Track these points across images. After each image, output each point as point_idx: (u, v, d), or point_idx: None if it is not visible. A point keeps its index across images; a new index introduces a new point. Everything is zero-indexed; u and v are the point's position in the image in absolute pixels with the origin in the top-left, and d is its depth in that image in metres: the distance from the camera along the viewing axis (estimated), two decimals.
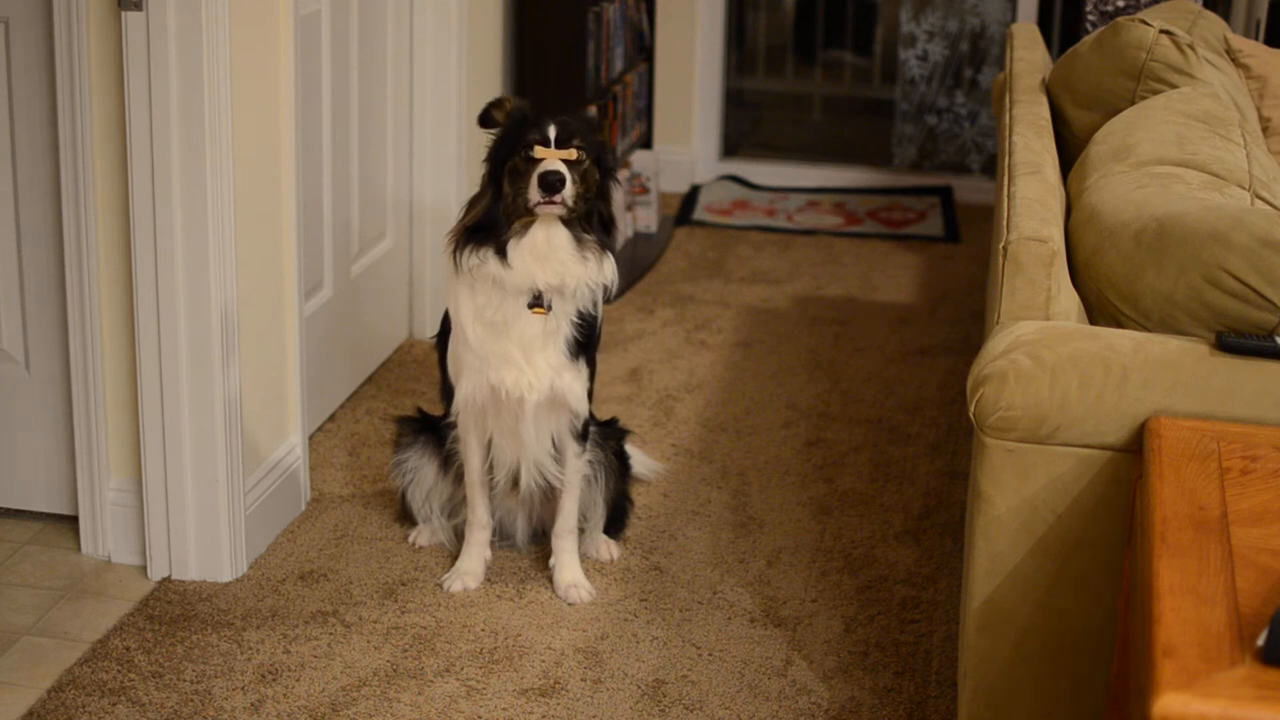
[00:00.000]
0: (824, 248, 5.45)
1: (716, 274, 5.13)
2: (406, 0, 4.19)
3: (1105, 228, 2.61)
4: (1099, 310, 2.61)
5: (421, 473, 3.26)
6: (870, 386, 4.21)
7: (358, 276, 4.02)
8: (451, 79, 4.27)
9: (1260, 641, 1.60)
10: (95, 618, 3.00)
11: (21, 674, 2.82)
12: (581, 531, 3.23)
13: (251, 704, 2.74)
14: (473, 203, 2.94)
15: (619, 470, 3.29)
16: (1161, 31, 3.33)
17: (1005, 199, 2.78)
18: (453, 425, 3.13)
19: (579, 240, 2.88)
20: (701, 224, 5.67)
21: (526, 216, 2.86)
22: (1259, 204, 2.76)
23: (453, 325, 3.00)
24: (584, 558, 3.22)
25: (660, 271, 5.14)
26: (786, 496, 3.57)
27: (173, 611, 3.02)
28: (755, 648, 2.96)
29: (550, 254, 2.86)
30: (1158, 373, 2.29)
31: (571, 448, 3.09)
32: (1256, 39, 4.95)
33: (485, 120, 2.96)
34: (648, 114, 5.71)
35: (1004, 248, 2.53)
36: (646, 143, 5.69)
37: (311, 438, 3.73)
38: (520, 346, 2.93)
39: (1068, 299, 2.56)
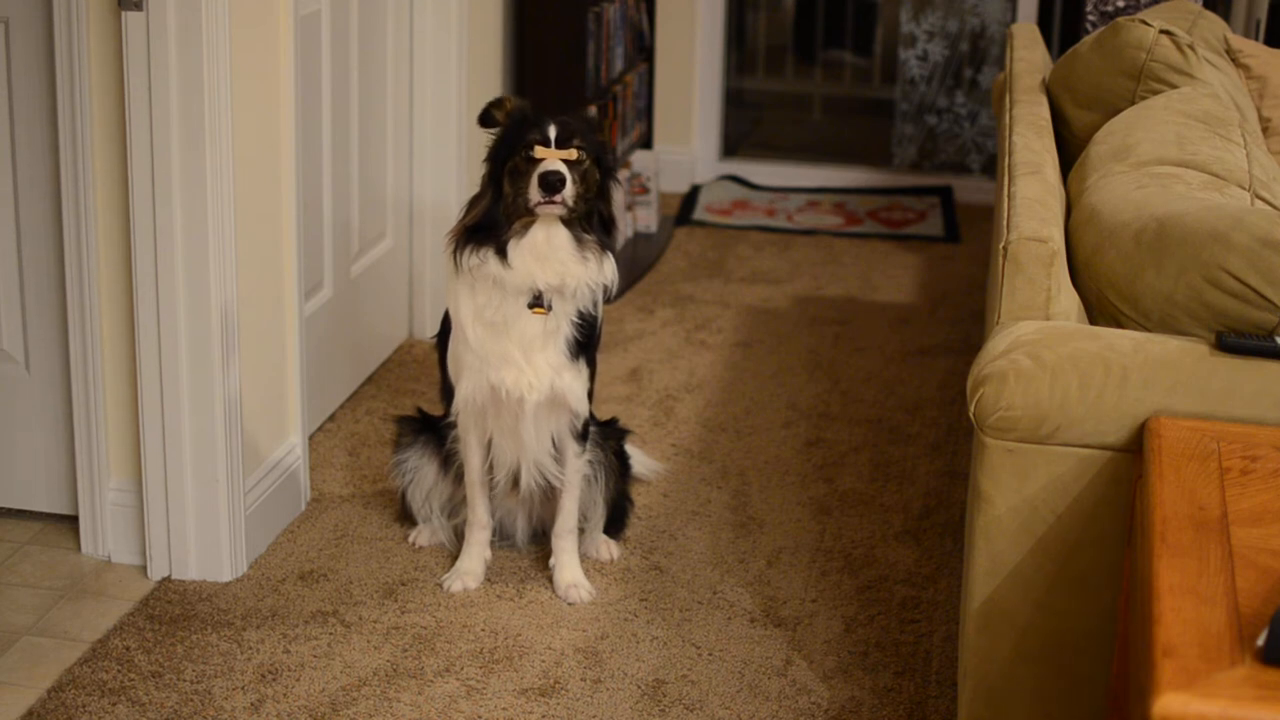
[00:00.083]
0: (824, 248, 5.45)
1: (716, 274, 5.13)
2: (406, 0, 4.19)
3: (1105, 228, 2.61)
4: (1099, 310, 2.61)
5: (421, 473, 3.26)
6: (870, 386, 4.21)
7: (358, 276, 4.02)
8: (451, 79, 4.27)
9: (1260, 641, 1.60)
10: (95, 618, 3.00)
11: (21, 674, 2.82)
12: (581, 531, 3.23)
13: (251, 704, 2.74)
14: (473, 203, 2.94)
15: (619, 470, 3.29)
16: (1161, 31, 3.33)
17: (1005, 199, 2.78)
18: (453, 425, 3.13)
19: (579, 240, 2.88)
20: (701, 224, 5.67)
21: (527, 216, 2.86)
22: (1259, 204, 2.76)
23: (453, 325, 3.00)
24: (584, 558, 3.22)
25: (660, 271, 5.14)
26: (786, 496, 3.57)
27: (173, 611, 3.02)
28: (755, 648, 2.96)
29: (550, 254, 2.86)
30: (1158, 373, 2.29)
31: (571, 448, 3.09)
32: (1256, 39, 4.95)
33: (485, 120, 2.96)
34: (648, 114, 5.71)
35: (1004, 248, 2.53)
36: (646, 143, 5.70)
37: (311, 438, 3.73)
38: (520, 346, 2.93)
39: (1068, 299, 2.56)
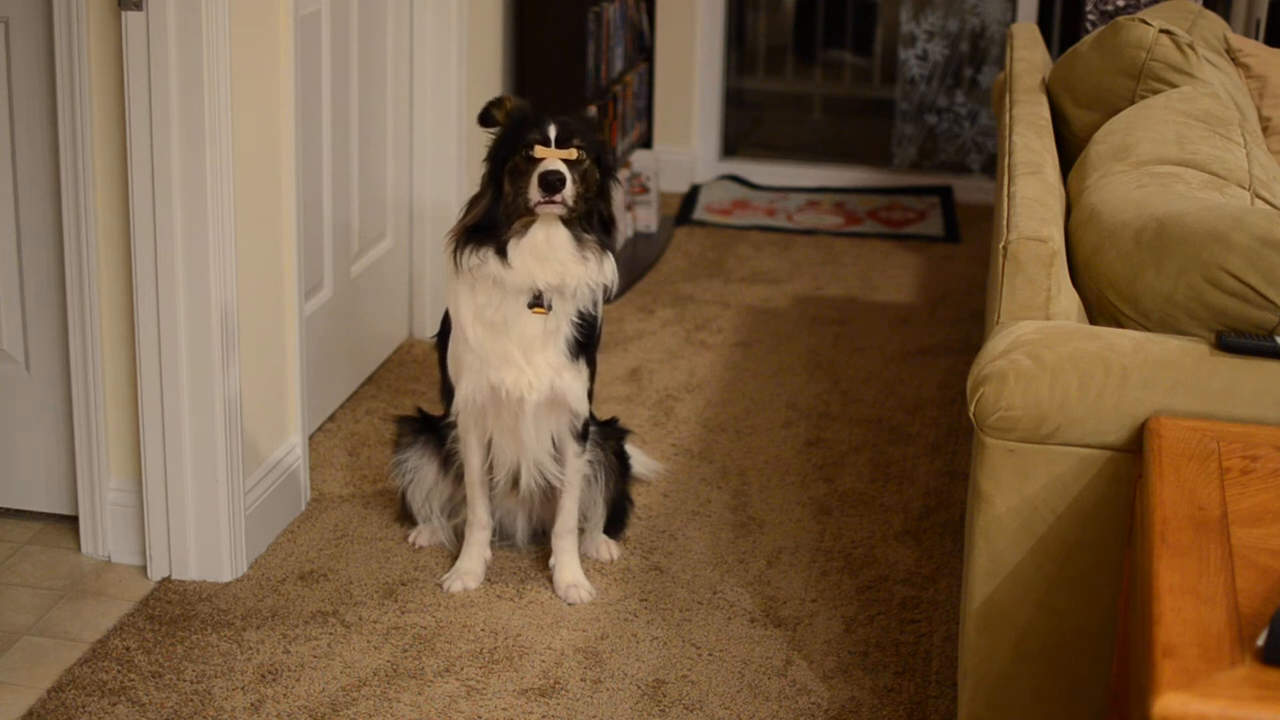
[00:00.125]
0: (824, 248, 5.45)
1: (716, 274, 5.13)
2: (406, 0, 4.19)
3: (1105, 227, 2.61)
4: (1099, 310, 2.61)
5: (421, 473, 3.26)
6: (870, 386, 4.21)
7: (358, 276, 4.02)
8: (451, 79, 4.27)
9: (1260, 641, 1.60)
10: (95, 618, 3.00)
11: (21, 674, 2.82)
12: (581, 531, 3.23)
13: (251, 704, 2.74)
14: (473, 202, 2.94)
15: (619, 470, 3.29)
16: (1161, 31, 3.33)
17: (1005, 199, 2.78)
18: (453, 425, 3.12)
19: (579, 240, 2.88)
20: (701, 224, 5.67)
21: (527, 216, 2.86)
22: (1259, 204, 2.76)
23: (453, 325, 3.00)
24: (584, 558, 3.22)
25: (660, 271, 5.14)
26: (786, 496, 3.57)
27: (173, 611, 3.02)
28: (755, 648, 2.96)
29: (550, 254, 2.86)
30: (1158, 373, 2.29)
31: (571, 448, 3.09)
32: (1256, 39, 4.95)
33: (485, 120, 2.96)
34: (648, 114, 5.71)
35: (1004, 248, 2.53)
36: (646, 143, 5.70)
37: (311, 438, 3.73)
38: (520, 346, 2.93)
39: (1068, 299, 2.56)
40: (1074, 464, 2.31)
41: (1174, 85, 3.29)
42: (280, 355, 3.35)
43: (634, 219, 5.42)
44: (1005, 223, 2.62)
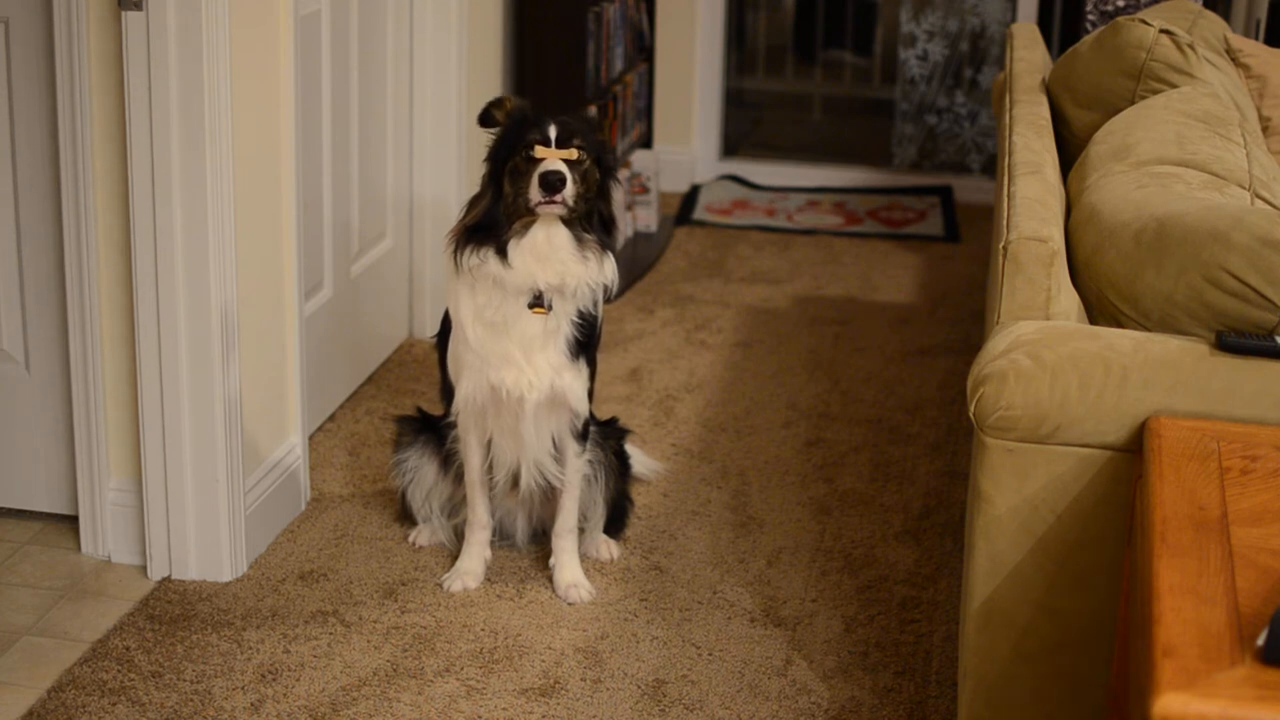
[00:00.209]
0: (824, 248, 5.45)
1: (716, 274, 5.13)
2: (406, 0, 4.19)
3: (1105, 227, 2.61)
4: (1099, 310, 2.61)
5: (421, 472, 3.26)
6: (870, 386, 4.21)
7: (358, 276, 4.02)
8: (451, 79, 4.27)
9: (1260, 641, 1.60)
10: (95, 618, 3.00)
11: (21, 674, 2.82)
12: (581, 531, 3.23)
13: (251, 704, 2.74)
14: (473, 202, 2.94)
15: (619, 470, 3.29)
16: (1161, 31, 3.33)
17: (1005, 199, 2.78)
18: (453, 425, 3.13)
19: (579, 240, 2.88)
20: (701, 224, 5.67)
21: (527, 216, 2.86)
22: (1259, 204, 2.76)
23: (453, 325, 3.00)
24: (584, 557, 3.22)
25: (660, 271, 5.14)
26: (786, 496, 3.57)
27: (173, 611, 3.02)
28: (755, 648, 2.96)
29: (551, 254, 2.86)
30: (1158, 372, 2.29)
31: (571, 447, 3.09)
32: (1256, 39, 4.95)
33: (485, 120, 2.96)
34: (648, 114, 5.71)
35: (1004, 247, 2.53)
36: (646, 143, 5.70)
37: (311, 438, 3.73)
38: (520, 346, 2.93)
39: (1068, 299, 2.56)
40: (1074, 464, 2.31)
41: (1174, 85, 3.29)
42: (280, 355, 3.35)
43: (634, 219, 5.42)
44: (1005, 223, 2.62)
